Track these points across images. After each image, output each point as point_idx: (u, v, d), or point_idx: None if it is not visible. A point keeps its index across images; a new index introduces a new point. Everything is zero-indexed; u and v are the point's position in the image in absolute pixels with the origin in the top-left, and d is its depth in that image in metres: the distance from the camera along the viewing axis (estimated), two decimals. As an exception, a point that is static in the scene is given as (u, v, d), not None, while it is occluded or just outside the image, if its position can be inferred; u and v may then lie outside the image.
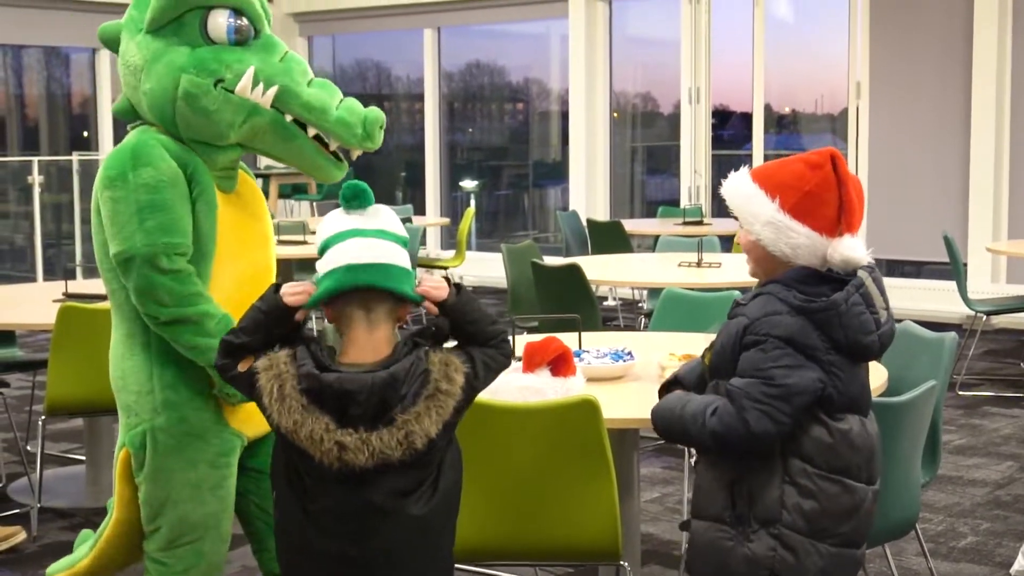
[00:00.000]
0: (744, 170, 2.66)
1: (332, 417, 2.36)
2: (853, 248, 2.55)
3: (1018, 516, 4.83)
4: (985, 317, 7.41)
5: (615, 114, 11.63)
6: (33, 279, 10.72)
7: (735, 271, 6.04)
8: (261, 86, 3.05)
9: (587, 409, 2.91)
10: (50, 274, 10.72)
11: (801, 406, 2.49)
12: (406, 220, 8.75)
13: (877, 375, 3.53)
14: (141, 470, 3.10)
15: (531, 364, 3.20)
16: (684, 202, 10.51)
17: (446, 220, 11.30)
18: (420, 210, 12.16)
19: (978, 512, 4.92)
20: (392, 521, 2.42)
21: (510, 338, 2.56)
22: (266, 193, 11.57)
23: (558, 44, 11.91)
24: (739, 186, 2.63)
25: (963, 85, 9.12)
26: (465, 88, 12.92)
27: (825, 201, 2.55)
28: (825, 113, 10.81)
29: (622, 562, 3.07)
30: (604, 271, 6.62)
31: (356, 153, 3.12)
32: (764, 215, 2.57)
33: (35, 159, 10.41)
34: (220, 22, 3.08)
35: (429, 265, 9.99)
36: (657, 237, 7.85)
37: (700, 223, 9.07)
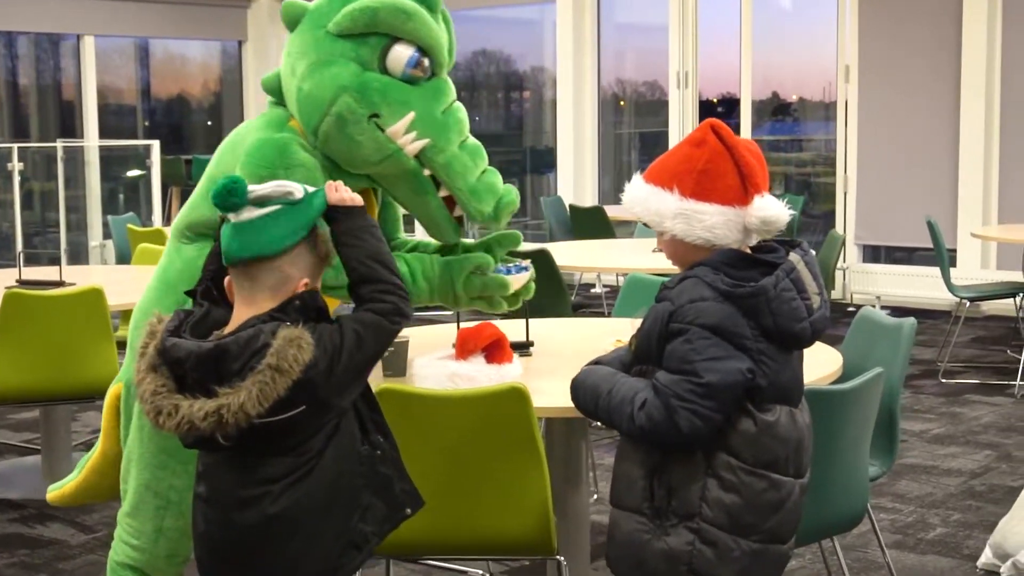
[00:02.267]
0: (636, 176, 2.56)
1: (173, 381, 2.26)
2: (767, 207, 2.43)
3: (991, 507, 4.71)
4: (969, 304, 7.28)
5: (622, 103, 11.51)
6: (13, 266, 10.61)
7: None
8: (414, 134, 3.00)
9: (515, 397, 2.79)
10: (33, 262, 10.62)
11: (730, 399, 2.38)
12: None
13: (831, 361, 3.41)
14: (128, 418, 3.11)
15: (464, 350, 3.09)
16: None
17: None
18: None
19: (950, 503, 4.80)
20: (240, 514, 2.33)
21: (399, 299, 2.38)
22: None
23: (551, 30, 11.78)
24: (635, 192, 2.53)
25: (953, 70, 8.98)
26: (457, 74, 12.78)
27: (722, 172, 2.45)
28: (815, 99, 10.67)
29: (558, 556, 2.96)
30: (576, 257, 6.51)
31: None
32: (669, 209, 2.46)
33: (15, 146, 10.30)
34: (402, 55, 3.01)
35: (412, 252, 9.86)
36: (637, 223, 7.73)
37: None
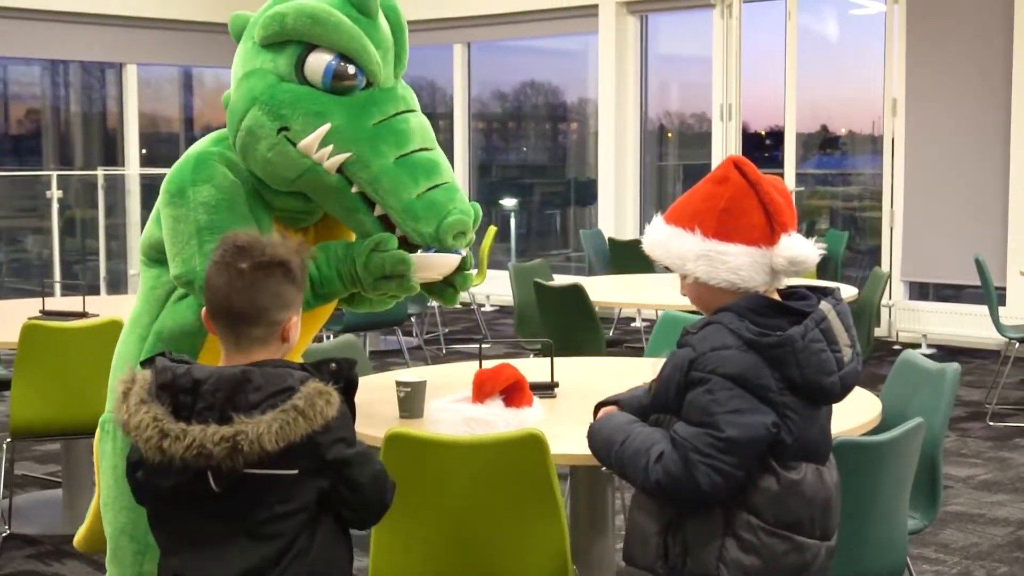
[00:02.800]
0: (656, 218, 2.42)
1: (169, 410, 2.17)
2: (794, 246, 2.29)
3: (1039, 559, 4.51)
4: (1018, 344, 7.06)
5: (669, 134, 11.37)
6: (51, 294, 10.60)
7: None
8: (331, 147, 2.78)
9: (531, 444, 2.65)
10: (71, 290, 10.59)
11: (753, 455, 2.23)
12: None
13: (870, 408, 3.25)
14: (104, 459, 3.00)
15: (481, 393, 2.96)
16: (715, 222, 10.21)
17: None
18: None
19: (996, 554, 4.60)
20: None
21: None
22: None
23: (595, 60, 11.67)
24: (656, 234, 2.39)
25: (1003, 102, 8.77)
26: (505, 105, 12.70)
27: (746, 210, 2.30)
28: (863, 132, 10.48)
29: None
30: (613, 291, 6.36)
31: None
32: (692, 251, 2.32)
33: (55, 174, 10.26)
34: (319, 63, 2.81)
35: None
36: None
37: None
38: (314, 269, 2.86)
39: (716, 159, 10.33)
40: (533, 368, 3.60)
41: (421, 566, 2.75)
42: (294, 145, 2.79)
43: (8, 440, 4.58)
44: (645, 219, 11.04)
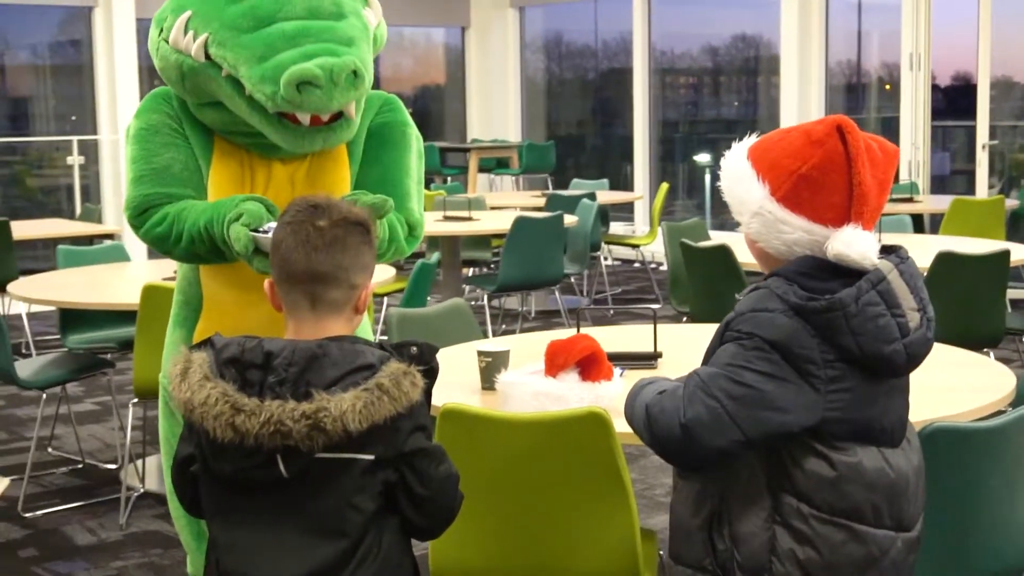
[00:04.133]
0: (744, 143, 2.14)
1: (236, 387, 2.00)
2: (851, 242, 1.99)
3: None
4: None
5: (887, 86, 10.87)
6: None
7: (917, 255, 5.35)
8: (192, 33, 2.72)
9: (594, 423, 2.45)
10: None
11: (765, 430, 1.97)
12: (590, 196, 8.32)
13: (1003, 382, 2.94)
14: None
15: (553, 366, 2.76)
16: (904, 177, 9.72)
17: (640, 195, 10.79)
18: (628, 186, 11.73)
19: None
20: None
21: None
22: (466, 167, 11.33)
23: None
24: (733, 165, 2.12)
25: None
26: (716, 58, 12.36)
27: (827, 185, 2.01)
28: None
29: (655, 601, 2.61)
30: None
31: (325, 116, 2.69)
32: (752, 203, 2.06)
33: (74, 139, 10.19)
34: None
35: (617, 242, 9.54)
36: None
37: (910, 200, 8.31)
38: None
39: (905, 111, 9.82)
40: (636, 337, 3.39)
41: (479, 553, 2.58)
42: (167, 44, 2.80)
43: (135, 400, 4.59)
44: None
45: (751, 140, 2.14)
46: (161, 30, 2.82)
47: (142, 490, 4.81)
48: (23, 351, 7.32)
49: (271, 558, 2.03)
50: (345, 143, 2.84)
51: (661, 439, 2.01)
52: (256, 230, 2.57)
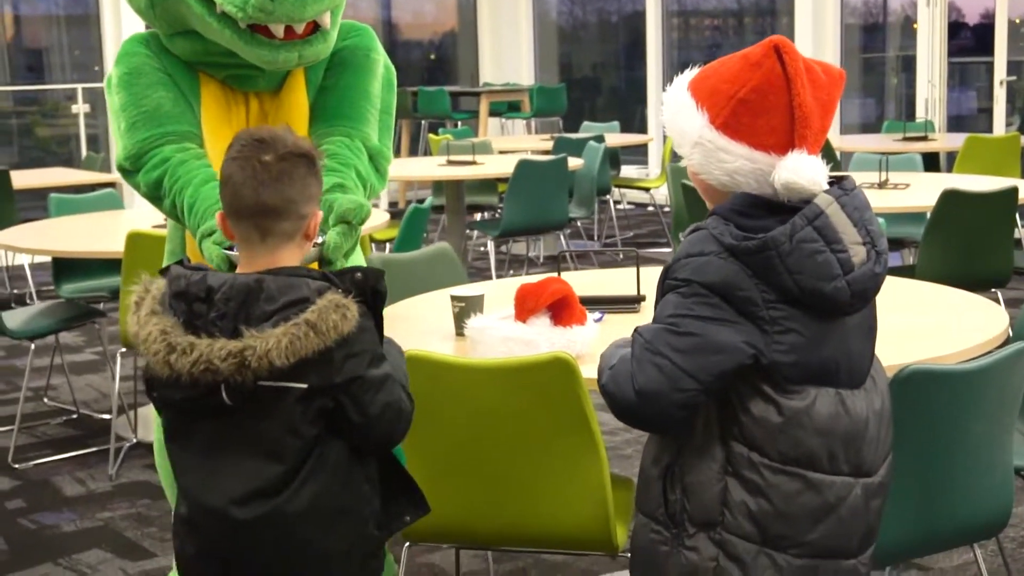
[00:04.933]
0: (683, 77, 2.03)
1: (181, 320, 2.05)
2: (798, 168, 1.87)
3: None
4: None
5: (914, 25, 10.66)
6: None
7: (924, 193, 5.26)
8: None
9: (559, 369, 2.36)
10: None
11: (718, 372, 1.87)
12: (597, 138, 8.20)
13: (994, 323, 2.83)
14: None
15: (523, 310, 2.66)
16: (920, 115, 9.55)
17: (651, 138, 10.65)
18: (645, 129, 11.60)
19: None
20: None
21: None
22: (477, 112, 11.20)
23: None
24: (672, 99, 2.01)
25: None
26: (743, 2, 12.15)
27: (767, 108, 1.90)
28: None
29: (625, 554, 2.53)
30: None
31: (300, 27, 2.59)
32: (692, 133, 1.95)
33: (79, 87, 10.13)
34: None
35: (628, 186, 9.42)
36: (851, 155, 7.05)
37: (924, 139, 8.15)
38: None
39: (923, 48, 9.63)
40: (619, 280, 3.29)
41: (447, 501, 2.49)
42: None
43: (122, 350, 4.53)
44: (844, 119, 10.42)
45: (692, 72, 2.03)
46: None
47: (134, 440, 4.76)
48: (26, 301, 7.28)
49: (218, 479, 2.10)
50: (313, 62, 2.76)
51: (625, 412, 1.93)
52: (231, 248, 2.50)
